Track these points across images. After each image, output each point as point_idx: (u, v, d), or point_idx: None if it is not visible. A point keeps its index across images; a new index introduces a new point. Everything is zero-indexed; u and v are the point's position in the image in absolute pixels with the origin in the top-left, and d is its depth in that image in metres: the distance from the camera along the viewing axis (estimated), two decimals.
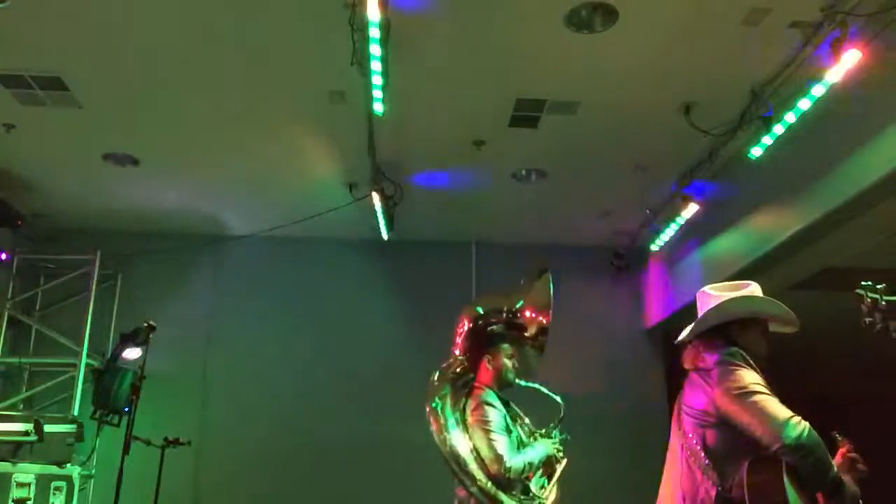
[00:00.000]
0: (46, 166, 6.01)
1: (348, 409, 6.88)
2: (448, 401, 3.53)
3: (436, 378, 3.66)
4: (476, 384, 3.65)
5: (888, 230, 4.94)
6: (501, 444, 3.37)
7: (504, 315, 3.78)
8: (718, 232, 5.95)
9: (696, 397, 2.51)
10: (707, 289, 2.73)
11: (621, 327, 7.34)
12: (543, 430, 3.69)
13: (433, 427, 3.50)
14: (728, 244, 5.83)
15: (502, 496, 3.29)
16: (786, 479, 2.22)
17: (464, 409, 3.54)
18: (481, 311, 3.81)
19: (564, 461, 3.62)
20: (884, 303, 2.40)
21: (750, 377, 2.37)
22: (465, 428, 3.45)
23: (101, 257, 6.73)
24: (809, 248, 5.14)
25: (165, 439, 5.45)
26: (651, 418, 6.43)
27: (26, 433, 5.14)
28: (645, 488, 2.98)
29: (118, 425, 5.30)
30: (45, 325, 6.86)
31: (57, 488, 5.21)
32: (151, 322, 5.22)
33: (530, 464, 3.44)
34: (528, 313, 3.78)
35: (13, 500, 4.90)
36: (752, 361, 2.43)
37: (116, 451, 4.87)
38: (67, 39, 4.34)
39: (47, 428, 5.26)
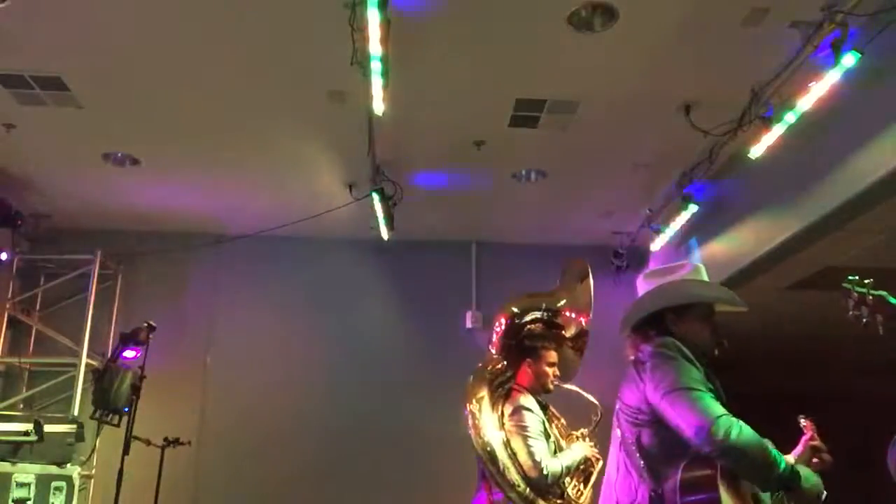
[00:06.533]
0: (46, 166, 6.00)
1: (348, 409, 6.87)
2: (485, 403, 3.48)
3: (472, 379, 3.61)
4: (515, 386, 3.62)
5: (888, 230, 4.94)
6: (539, 450, 3.35)
7: (542, 314, 3.74)
8: (718, 232, 5.95)
9: (630, 393, 2.33)
10: (641, 275, 2.56)
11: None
12: (580, 432, 3.66)
13: (471, 430, 3.46)
14: (728, 244, 5.83)
15: (540, 502, 3.28)
16: (721, 483, 2.05)
17: (502, 412, 3.52)
18: (517, 311, 3.76)
19: (601, 462, 3.58)
20: (871, 297, 2.40)
21: (682, 371, 2.17)
22: (504, 432, 3.42)
23: (101, 257, 6.72)
24: (809, 248, 5.14)
25: (165, 439, 5.46)
26: None
27: (26, 433, 5.14)
28: None
29: (118, 425, 5.29)
30: (45, 325, 6.86)
31: (57, 488, 5.21)
32: (151, 322, 5.22)
33: (568, 468, 3.42)
34: (567, 313, 3.74)
35: (13, 500, 4.90)
36: (688, 353, 2.23)
37: (116, 451, 4.87)
38: (67, 39, 4.33)
39: (47, 428, 5.26)
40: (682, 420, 2.07)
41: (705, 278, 2.53)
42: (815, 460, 2.49)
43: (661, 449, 2.19)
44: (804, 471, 2.14)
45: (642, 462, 2.21)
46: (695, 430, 2.03)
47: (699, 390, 2.12)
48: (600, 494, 2.51)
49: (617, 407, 2.42)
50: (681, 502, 2.07)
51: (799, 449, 2.55)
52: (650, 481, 2.16)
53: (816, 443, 2.54)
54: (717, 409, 2.07)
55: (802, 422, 2.71)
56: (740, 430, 2.02)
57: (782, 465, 2.06)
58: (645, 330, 2.39)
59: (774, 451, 2.09)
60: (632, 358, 2.39)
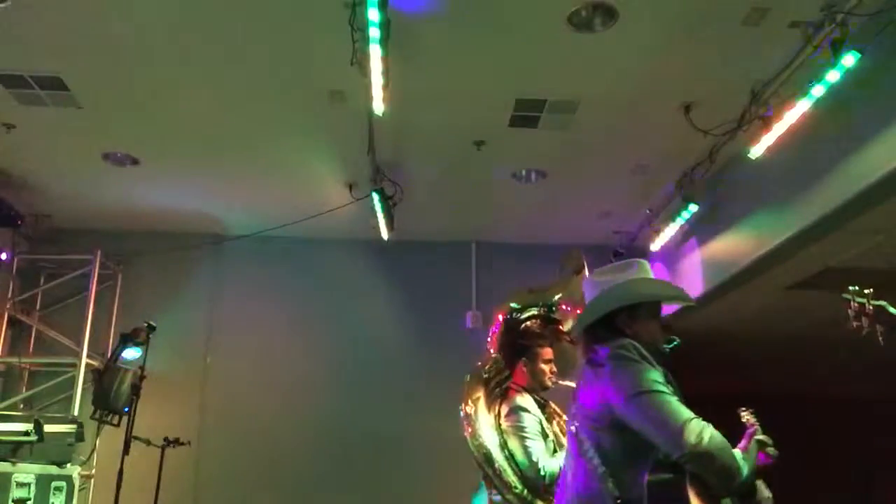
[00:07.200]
0: (46, 166, 6.00)
1: (348, 410, 6.88)
2: (482, 404, 3.45)
3: (468, 379, 3.58)
4: (512, 385, 3.60)
5: (888, 230, 4.94)
6: (536, 449, 3.32)
7: (539, 311, 3.72)
8: (718, 232, 5.95)
9: (588, 396, 2.25)
10: (591, 275, 2.52)
11: None
12: None
13: (467, 431, 3.41)
14: (728, 244, 5.83)
15: (539, 503, 3.25)
16: (690, 488, 2.01)
17: (498, 412, 3.49)
18: (516, 307, 3.74)
19: None
20: (871, 307, 2.40)
21: (645, 373, 2.12)
22: (500, 432, 3.39)
23: (101, 257, 6.73)
24: (809, 248, 5.14)
25: (165, 439, 5.46)
26: None
27: (26, 433, 5.13)
28: None
29: (118, 425, 5.30)
30: (45, 325, 6.87)
31: (57, 488, 5.21)
32: (151, 322, 5.23)
33: None
34: (564, 307, 3.71)
35: (13, 500, 4.90)
36: (646, 353, 2.18)
37: (116, 451, 4.87)
38: (67, 39, 4.33)
39: (47, 428, 5.25)
40: (651, 424, 2.03)
41: (651, 276, 2.50)
42: (763, 458, 2.46)
43: (624, 454, 2.13)
44: (759, 482, 2.11)
45: (603, 468, 2.14)
46: (665, 434, 2.00)
47: (665, 393, 2.09)
48: (555, 498, 2.46)
49: (573, 410, 2.36)
50: (648, 495, 2.02)
51: (743, 443, 2.51)
52: (613, 488, 2.10)
53: (762, 437, 2.50)
54: (686, 412, 2.05)
55: (745, 415, 2.69)
56: (711, 434, 1.99)
57: (745, 472, 2.04)
58: (596, 331, 2.33)
59: (739, 457, 2.07)
60: (589, 358, 2.32)
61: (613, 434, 2.15)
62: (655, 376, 2.13)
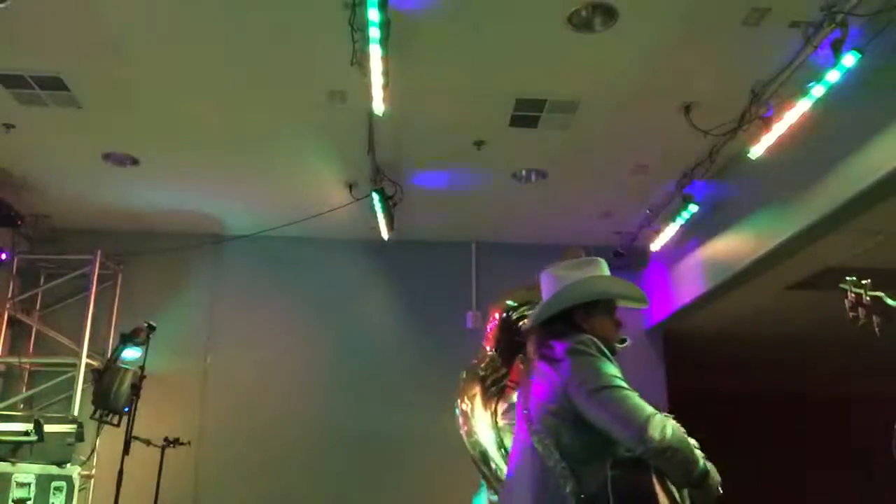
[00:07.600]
0: (46, 166, 6.00)
1: (348, 410, 6.88)
2: (478, 401, 3.44)
3: (464, 376, 3.58)
4: (509, 382, 3.59)
5: (888, 230, 4.95)
6: None
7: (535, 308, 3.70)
8: (718, 232, 5.95)
9: (545, 390, 2.25)
10: (550, 270, 2.54)
11: None
12: None
13: (463, 428, 3.41)
14: (728, 244, 5.83)
15: None
16: (656, 482, 2.03)
17: (495, 409, 3.48)
18: (513, 304, 3.73)
19: None
20: (868, 298, 2.41)
21: (605, 369, 2.14)
22: (497, 430, 3.38)
23: (101, 257, 6.73)
24: (809, 248, 5.14)
25: (165, 439, 5.46)
26: None
27: (26, 433, 5.14)
28: None
29: (118, 425, 5.30)
30: (45, 325, 6.87)
31: (57, 488, 5.21)
32: (151, 322, 5.23)
33: None
34: None
35: (13, 500, 4.90)
36: (604, 349, 2.21)
37: (116, 451, 4.88)
38: (67, 39, 4.33)
39: (47, 428, 5.26)
40: (613, 419, 2.05)
41: (608, 273, 2.53)
42: None
43: (583, 449, 2.12)
44: (710, 466, 2.11)
45: (563, 463, 2.11)
46: (630, 430, 2.01)
47: (625, 388, 2.11)
48: (502, 498, 2.46)
49: (527, 407, 2.35)
50: (612, 492, 2.01)
51: None
52: (574, 484, 2.07)
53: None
54: (647, 407, 2.06)
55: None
56: (674, 429, 2.02)
57: (701, 462, 2.06)
58: (554, 326, 2.35)
59: (696, 449, 2.09)
60: (542, 353, 2.33)
61: (573, 429, 2.14)
62: (615, 371, 2.16)
